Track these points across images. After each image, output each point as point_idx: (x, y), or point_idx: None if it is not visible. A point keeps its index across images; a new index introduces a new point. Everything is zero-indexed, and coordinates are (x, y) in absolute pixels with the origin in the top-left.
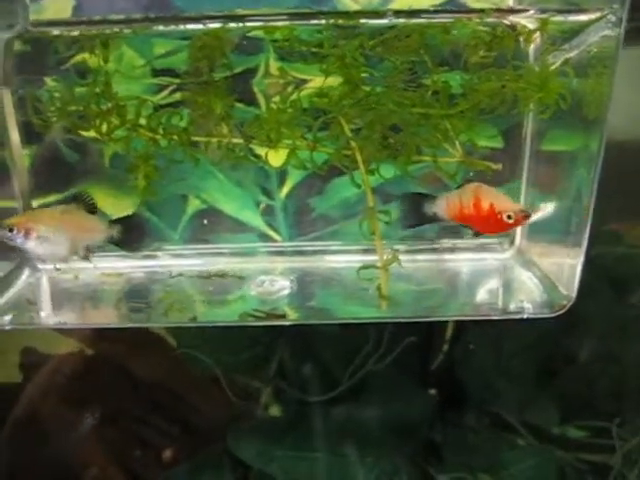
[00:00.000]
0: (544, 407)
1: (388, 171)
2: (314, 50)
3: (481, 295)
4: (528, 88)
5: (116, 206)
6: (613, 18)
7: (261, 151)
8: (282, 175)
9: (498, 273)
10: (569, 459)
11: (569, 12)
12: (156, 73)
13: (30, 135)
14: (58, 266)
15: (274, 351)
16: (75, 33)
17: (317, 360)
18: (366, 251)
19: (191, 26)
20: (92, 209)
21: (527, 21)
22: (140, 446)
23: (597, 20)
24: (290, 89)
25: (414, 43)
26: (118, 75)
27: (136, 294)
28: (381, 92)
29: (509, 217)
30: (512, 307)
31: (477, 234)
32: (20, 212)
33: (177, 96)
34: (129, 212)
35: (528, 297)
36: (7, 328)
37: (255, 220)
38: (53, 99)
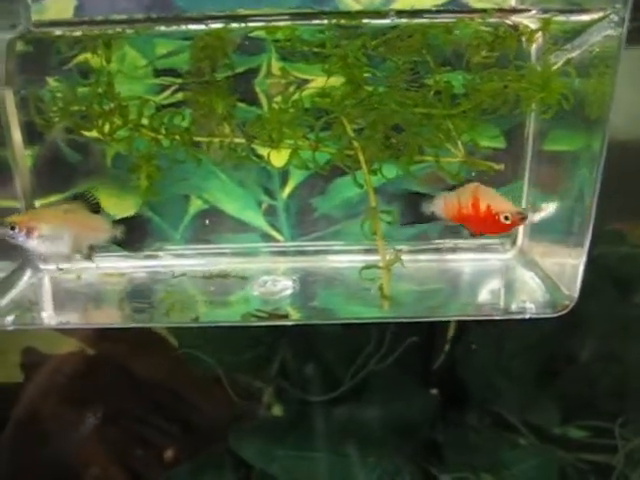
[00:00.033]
0: (546, 407)
1: (390, 171)
2: (316, 50)
3: (483, 295)
4: (530, 88)
5: (118, 206)
6: (615, 18)
7: (263, 151)
8: (284, 175)
9: (500, 273)
10: (571, 459)
11: (571, 12)
12: (158, 73)
13: (32, 135)
14: (60, 266)
15: (276, 351)
16: (77, 33)
17: (319, 360)
18: (368, 251)
19: (193, 26)
20: (96, 208)
21: (529, 21)
22: (142, 446)
23: (599, 20)
24: (292, 89)
25: (416, 43)
26: (120, 75)
27: (138, 294)
28: (383, 92)
29: (506, 218)
30: (514, 307)
31: (473, 235)
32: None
33: (179, 96)
34: (131, 212)
35: (530, 297)
36: (10, 328)
37: (257, 220)
38: (55, 99)
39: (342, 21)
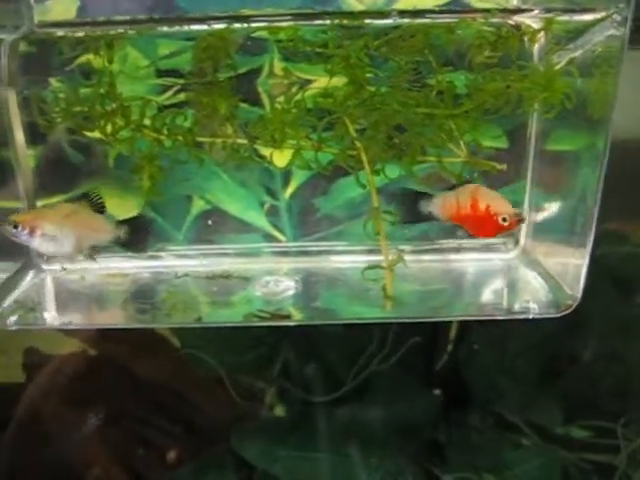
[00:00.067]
0: (548, 407)
1: (392, 171)
2: (318, 50)
3: (486, 295)
4: (533, 88)
5: (121, 207)
6: (618, 18)
7: (266, 151)
8: (286, 175)
9: (503, 273)
10: (573, 459)
11: (574, 12)
12: (160, 74)
13: (35, 136)
14: (64, 267)
15: (278, 351)
16: (80, 34)
17: (321, 360)
18: (371, 251)
19: (195, 27)
20: (100, 208)
21: (532, 21)
22: (144, 447)
23: (602, 20)
24: (294, 89)
25: (419, 43)
26: (122, 76)
27: (141, 295)
28: (386, 92)
29: (504, 220)
30: (517, 307)
31: (471, 235)
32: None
33: (181, 97)
34: (134, 213)
35: (533, 297)
36: (12, 329)
37: (260, 220)
38: (58, 100)
39: (344, 21)
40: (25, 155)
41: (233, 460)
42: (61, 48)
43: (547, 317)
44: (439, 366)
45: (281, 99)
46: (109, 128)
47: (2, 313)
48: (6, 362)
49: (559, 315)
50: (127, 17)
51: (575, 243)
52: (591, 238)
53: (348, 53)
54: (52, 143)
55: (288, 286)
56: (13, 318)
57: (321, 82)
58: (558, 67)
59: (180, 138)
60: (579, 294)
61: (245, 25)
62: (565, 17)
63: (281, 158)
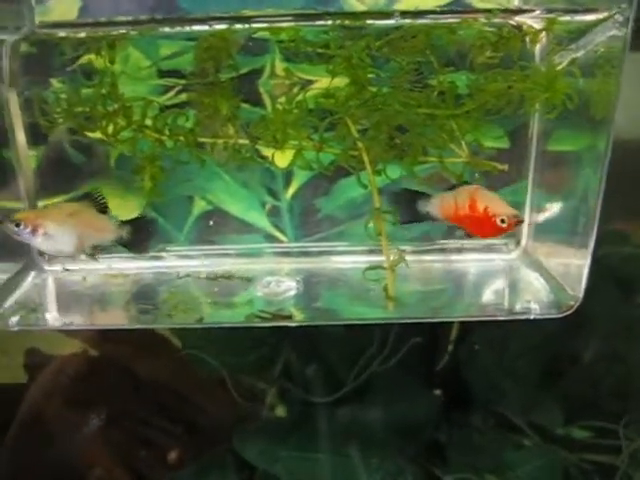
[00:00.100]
0: (549, 408)
1: (394, 172)
2: (320, 51)
3: (487, 296)
4: (535, 88)
5: (122, 207)
6: (620, 18)
7: (267, 152)
8: (288, 176)
9: (504, 274)
10: (575, 460)
11: (576, 12)
12: (162, 74)
13: (36, 136)
14: (66, 267)
15: (280, 352)
16: (81, 35)
17: (322, 361)
18: (372, 252)
19: (197, 27)
20: (103, 208)
21: (533, 21)
22: (145, 447)
23: (604, 20)
24: (296, 90)
25: (420, 43)
26: (124, 76)
27: (142, 295)
28: (387, 93)
29: (502, 221)
30: (518, 308)
31: (469, 235)
32: None
33: (183, 97)
34: (135, 214)
35: (535, 298)
36: (14, 329)
37: (261, 221)
38: (59, 100)
39: (346, 22)
40: (26, 156)
41: (234, 460)
42: (62, 49)
43: (549, 318)
44: (440, 366)
45: (283, 99)
46: (110, 129)
47: (3, 314)
48: (7, 363)
49: (560, 316)
50: (129, 18)
51: (577, 244)
52: (593, 238)
53: (350, 53)
54: (53, 144)
55: (289, 287)
56: (14, 319)
57: (322, 82)
58: (560, 67)
59: (182, 139)
60: (581, 294)
61: (247, 26)
62: (567, 17)
63: (282, 159)
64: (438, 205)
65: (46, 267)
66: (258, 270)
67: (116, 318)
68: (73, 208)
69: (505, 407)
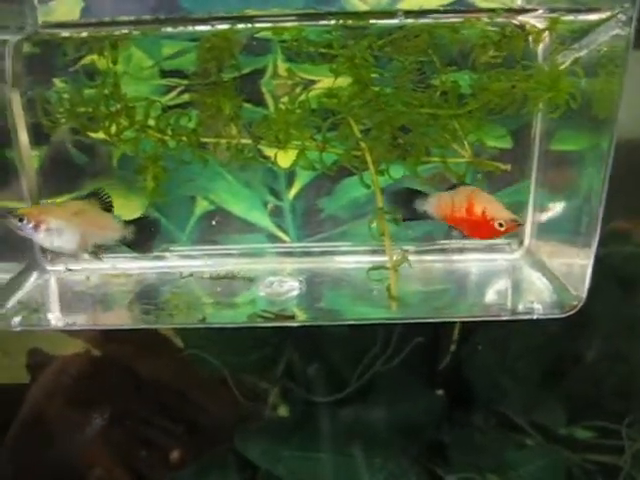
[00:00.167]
0: (552, 407)
1: (397, 172)
2: (322, 51)
3: (490, 296)
4: (538, 88)
5: (125, 207)
6: (623, 17)
7: (270, 152)
8: (290, 176)
9: (507, 274)
10: (577, 460)
11: (578, 11)
12: (165, 74)
13: (39, 136)
14: (68, 267)
15: (282, 352)
16: (84, 35)
17: (325, 361)
18: (375, 252)
19: (199, 27)
20: (108, 207)
21: (536, 21)
22: (147, 447)
23: (607, 19)
24: (298, 90)
25: (423, 43)
26: (127, 76)
27: (145, 295)
28: (390, 92)
29: (500, 225)
30: (521, 308)
31: (465, 236)
32: None
33: (186, 97)
34: (138, 214)
35: (538, 298)
36: (17, 329)
37: (263, 221)
38: (62, 100)
39: (349, 21)
40: (29, 156)
41: (236, 460)
42: (65, 49)
43: (552, 318)
44: (442, 366)
45: (285, 99)
46: (113, 129)
47: (6, 314)
48: (10, 363)
49: (564, 316)
50: (131, 18)
51: (580, 243)
52: (596, 238)
53: (352, 53)
54: (56, 144)
55: (292, 286)
56: (17, 319)
57: (325, 82)
58: (563, 67)
59: (184, 139)
60: (584, 294)
61: (249, 25)
62: (570, 17)
63: (285, 158)
64: (435, 205)
65: (48, 267)
66: (261, 270)
67: (119, 318)
68: (78, 206)
69: (508, 407)
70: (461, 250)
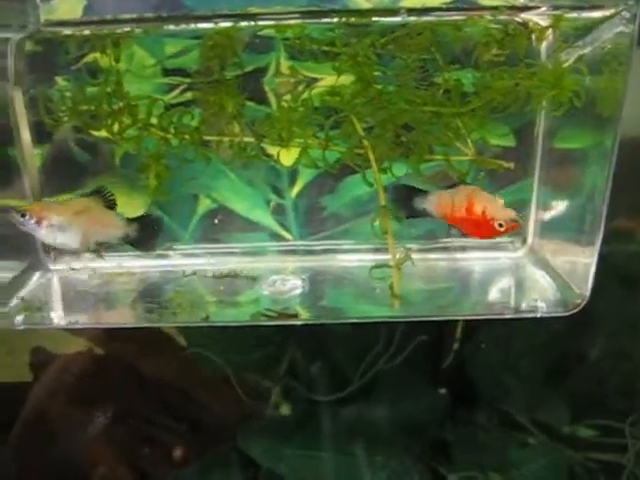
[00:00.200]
0: (555, 406)
1: (399, 170)
2: (325, 49)
3: (493, 294)
4: (541, 86)
5: (127, 206)
6: (627, 15)
7: (272, 150)
8: (293, 174)
9: (511, 272)
10: (580, 458)
11: (582, 9)
12: (167, 72)
13: (41, 135)
14: (71, 266)
15: (285, 350)
16: (86, 33)
17: (328, 359)
18: (378, 250)
19: (202, 25)
20: (111, 205)
21: (539, 18)
22: (150, 445)
23: (611, 17)
24: (301, 88)
25: (425, 41)
26: (129, 75)
27: (148, 294)
28: (393, 91)
29: (500, 225)
30: (525, 306)
31: (464, 235)
32: None
33: (188, 95)
34: (140, 212)
35: (541, 296)
36: (20, 328)
37: (266, 219)
38: (64, 99)
39: (352, 19)
40: (31, 154)
41: (239, 458)
42: (67, 47)
43: (555, 316)
44: (445, 365)
45: (288, 97)
46: (116, 127)
47: (9, 312)
48: (13, 361)
49: (567, 314)
50: (133, 16)
51: (583, 241)
52: (599, 236)
53: (355, 51)
54: (58, 142)
55: (295, 285)
56: (20, 317)
57: (328, 80)
58: (566, 65)
59: (187, 137)
60: (587, 293)
61: (252, 23)
62: (573, 14)
63: (288, 157)
64: (435, 203)
65: (51, 266)
66: (263, 268)
67: (121, 317)
68: (81, 204)
69: (511, 405)
70: (464, 248)
